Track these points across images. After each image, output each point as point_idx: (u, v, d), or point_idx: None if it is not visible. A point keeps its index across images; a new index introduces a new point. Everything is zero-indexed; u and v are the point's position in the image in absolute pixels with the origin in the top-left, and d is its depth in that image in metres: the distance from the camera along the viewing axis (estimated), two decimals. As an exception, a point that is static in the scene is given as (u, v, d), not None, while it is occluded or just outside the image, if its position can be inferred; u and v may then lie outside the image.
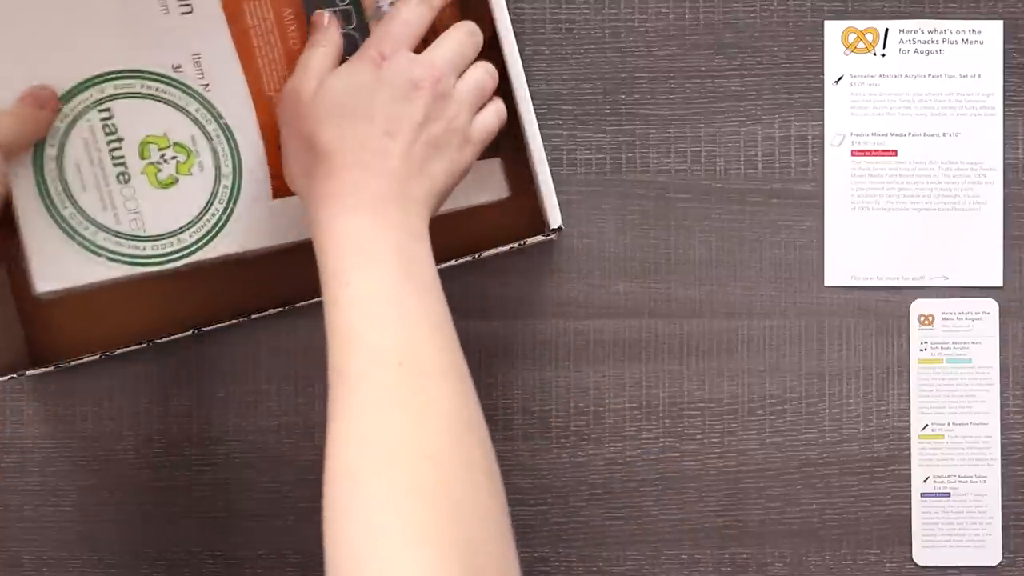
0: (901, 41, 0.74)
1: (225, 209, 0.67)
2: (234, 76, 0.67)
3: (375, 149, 0.60)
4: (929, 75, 0.74)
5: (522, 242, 0.71)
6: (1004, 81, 0.74)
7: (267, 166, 0.68)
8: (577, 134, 0.75)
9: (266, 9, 0.67)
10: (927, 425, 0.74)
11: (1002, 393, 0.74)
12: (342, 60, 0.65)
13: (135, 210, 0.65)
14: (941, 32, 0.74)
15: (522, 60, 0.69)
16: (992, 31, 0.74)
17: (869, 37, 0.74)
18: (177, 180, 0.66)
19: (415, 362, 0.56)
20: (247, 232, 0.68)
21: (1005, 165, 0.74)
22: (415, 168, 0.61)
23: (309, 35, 0.67)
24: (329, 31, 0.66)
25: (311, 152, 0.61)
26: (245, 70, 0.67)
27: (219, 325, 0.72)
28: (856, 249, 0.74)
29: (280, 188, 0.68)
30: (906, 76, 0.74)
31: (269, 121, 0.67)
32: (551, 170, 0.70)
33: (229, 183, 0.67)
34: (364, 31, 0.68)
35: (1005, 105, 0.74)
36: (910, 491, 0.74)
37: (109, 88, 0.64)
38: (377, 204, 0.59)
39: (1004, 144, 0.74)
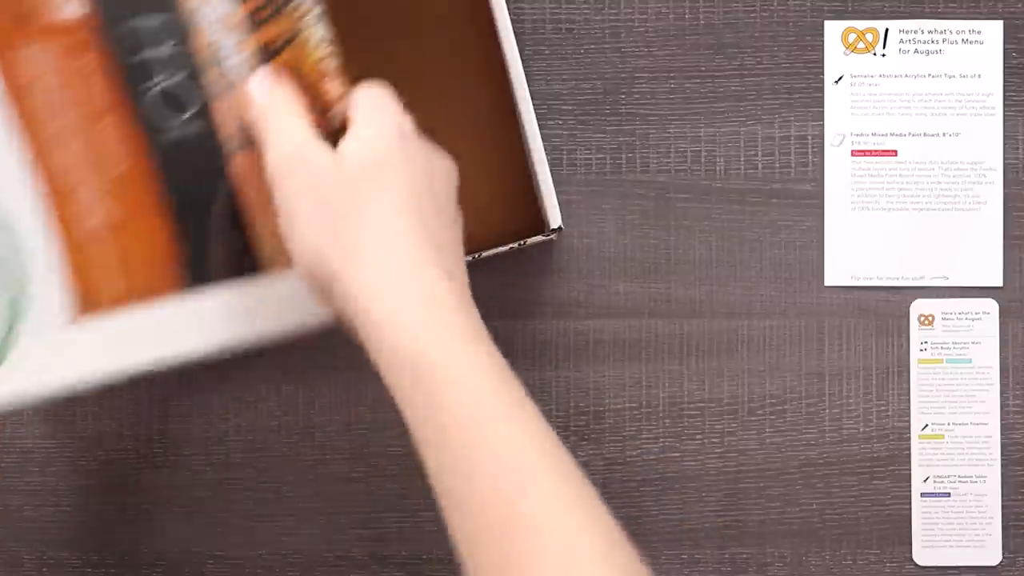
0: (901, 41, 0.74)
1: (2, 338, 0.49)
2: (8, 148, 0.49)
3: (439, 225, 0.54)
4: (929, 75, 0.74)
5: (522, 242, 0.71)
6: (1004, 81, 0.74)
7: (67, 272, 0.50)
8: (577, 134, 0.75)
9: (53, 56, 0.50)
10: (927, 425, 0.74)
11: (1002, 393, 0.74)
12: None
13: None
14: (941, 32, 0.74)
15: (522, 60, 0.69)
16: (992, 31, 0.74)
17: (869, 37, 0.74)
18: None
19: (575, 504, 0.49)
20: (41, 368, 0.50)
21: (1005, 165, 0.74)
22: (460, 256, 0.55)
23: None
24: (282, 87, 0.55)
25: (346, 225, 0.52)
26: (25, 139, 0.50)
27: (219, 325, 0.72)
28: (856, 249, 0.74)
29: (88, 303, 0.51)
30: (906, 76, 0.74)
31: (66, 210, 0.50)
32: (551, 170, 0.70)
33: (6, 300, 0.49)
34: (196, 79, 0.53)
35: (1005, 105, 0.74)
36: (910, 491, 0.74)
37: None
38: (460, 299, 0.52)
39: (1004, 144, 0.74)
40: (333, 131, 0.55)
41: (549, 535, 0.47)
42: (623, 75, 0.75)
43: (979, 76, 0.74)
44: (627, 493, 0.75)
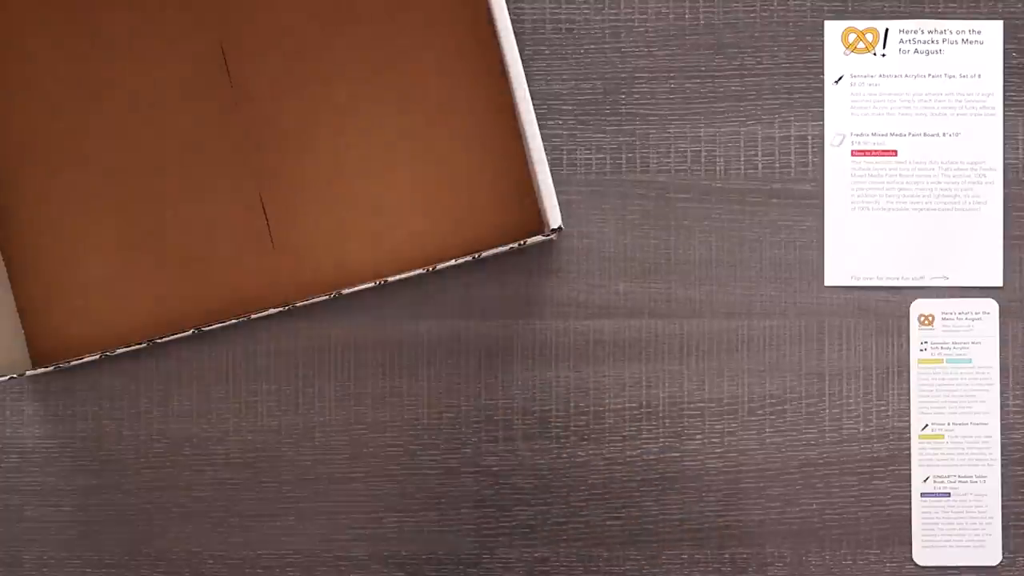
0: (901, 41, 0.74)
1: None
2: None
3: None
4: (929, 75, 0.74)
5: (522, 242, 0.71)
6: (1004, 81, 0.74)
7: None
8: (577, 134, 0.75)
9: None
10: (927, 425, 0.74)
11: (1002, 393, 0.74)
12: None
13: None
14: (941, 32, 0.74)
15: (522, 60, 0.69)
16: (992, 31, 0.74)
17: (869, 37, 0.74)
18: None
19: None
20: None
21: (1005, 165, 0.74)
22: None
23: None
24: None
25: None
26: None
27: (219, 325, 0.72)
28: (856, 249, 0.74)
29: None
30: (906, 76, 0.74)
31: None
32: (551, 170, 0.70)
33: None
34: None
35: (1005, 105, 0.74)
36: (910, 491, 0.74)
37: None
38: None
39: (1004, 144, 0.74)
40: None
41: None
42: (623, 75, 0.75)
43: (979, 76, 0.74)
44: (627, 493, 0.75)
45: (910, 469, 0.74)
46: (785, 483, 0.74)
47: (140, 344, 0.72)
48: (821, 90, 0.74)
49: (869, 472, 0.74)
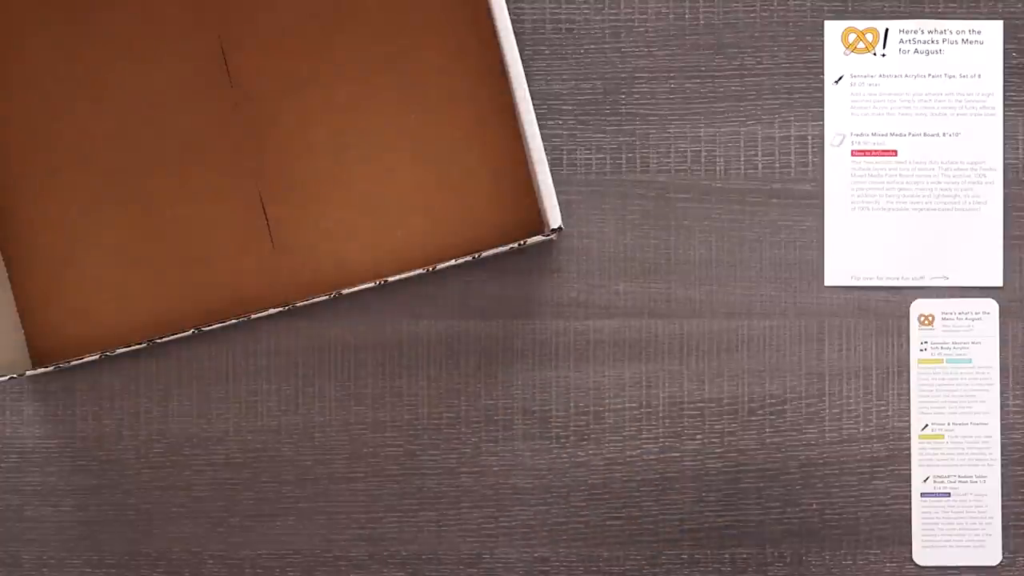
0: (901, 41, 0.74)
1: None
2: None
3: None
4: (929, 75, 0.74)
5: (522, 242, 0.71)
6: (1004, 81, 0.74)
7: None
8: (577, 134, 0.75)
9: None
10: (927, 425, 0.74)
11: (1002, 393, 0.74)
12: None
13: None
14: (941, 32, 0.74)
15: (522, 60, 0.69)
16: (992, 31, 0.74)
17: (869, 37, 0.74)
18: None
19: None
20: None
21: (1005, 165, 0.74)
22: None
23: None
24: None
25: None
26: None
27: (219, 325, 0.72)
28: (856, 249, 0.74)
29: None
30: (906, 76, 0.74)
31: None
32: (551, 170, 0.70)
33: None
34: None
35: (1005, 105, 0.74)
36: (910, 491, 0.74)
37: None
38: None
39: (1004, 144, 0.74)
40: None
41: None
42: (623, 75, 0.75)
43: (979, 76, 0.74)
44: (627, 493, 0.75)
45: (910, 469, 0.74)
46: (785, 483, 0.74)
47: (140, 344, 0.72)
48: (821, 90, 0.74)
49: (869, 472, 0.74)
